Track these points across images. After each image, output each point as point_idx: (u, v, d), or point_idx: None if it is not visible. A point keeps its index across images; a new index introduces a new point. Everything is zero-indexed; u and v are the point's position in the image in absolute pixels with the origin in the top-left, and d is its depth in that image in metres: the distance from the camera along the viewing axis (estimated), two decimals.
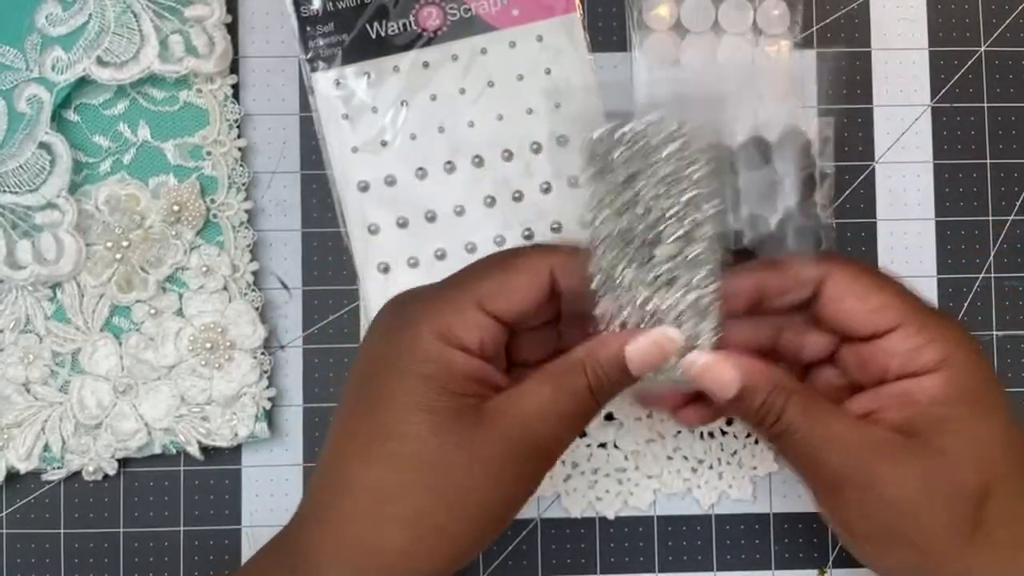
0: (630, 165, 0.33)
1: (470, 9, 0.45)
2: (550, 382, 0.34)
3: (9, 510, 0.44)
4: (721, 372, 0.34)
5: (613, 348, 0.33)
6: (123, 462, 0.44)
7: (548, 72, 0.45)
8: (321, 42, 0.45)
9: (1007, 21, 0.47)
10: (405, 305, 0.35)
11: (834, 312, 0.35)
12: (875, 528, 0.34)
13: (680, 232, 0.34)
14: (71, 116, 0.44)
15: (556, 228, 0.45)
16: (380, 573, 0.33)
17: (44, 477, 0.44)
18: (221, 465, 0.45)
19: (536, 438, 0.33)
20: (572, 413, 0.34)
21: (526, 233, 0.45)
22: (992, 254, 0.47)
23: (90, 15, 0.42)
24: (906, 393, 0.34)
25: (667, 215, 0.34)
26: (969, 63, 0.47)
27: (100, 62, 0.42)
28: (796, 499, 0.46)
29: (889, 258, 0.46)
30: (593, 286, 0.34)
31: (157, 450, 0.44)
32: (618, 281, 0.34)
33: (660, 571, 0.45)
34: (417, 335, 0.33)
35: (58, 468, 0.43)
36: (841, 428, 0.34)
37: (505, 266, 0.35)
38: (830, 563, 0.45)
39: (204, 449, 0.44)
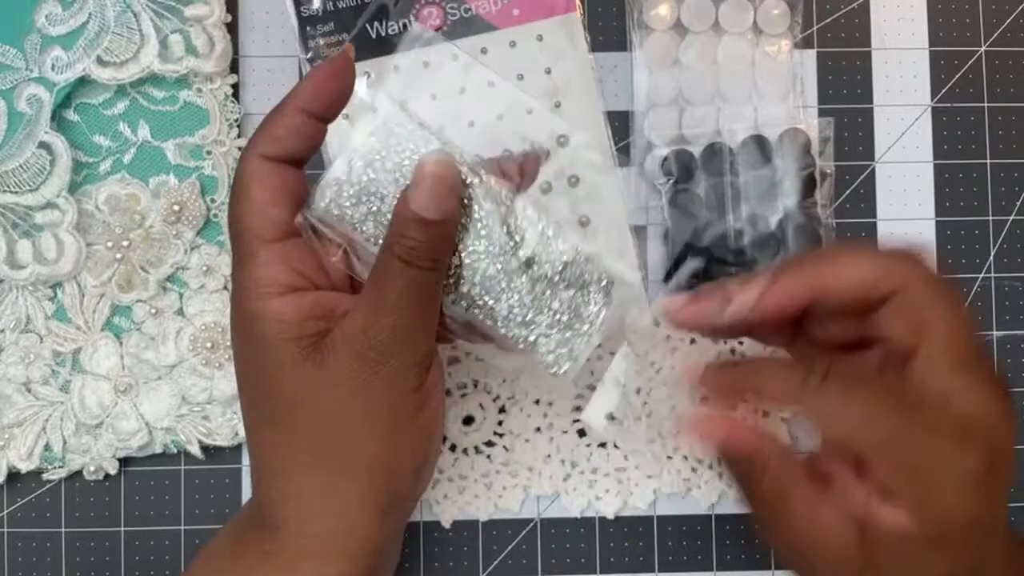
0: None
1: (470, 8, 0.45)
2: (372, 281, 0.33)
3: (10, 509, 0.44)
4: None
5: (406, 213, 0.32)
6: (124, 461, 0.44)
7: (548, 72, 0.45)
8: (321, 42, 0.45)
9: (1007, 21, 0.47)
10: (235, 279, 0.35)
11: (916, 377, 0.32)
12: None
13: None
14: (71, 116, 0.44)
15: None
16: (342, 535, 0.33)
17: (45, 476, 0.44)
18: (222, 464, 0.45)
19: (384, 339, 0.32)
20: (410, 298, 0.32)
21: None
22: (992, 254, 0.47)
23: (90, 15, 0.42)
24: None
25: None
26: (969, 63, 0.47)
27: (100, 61, 0.42)
28: None
29: None
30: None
31: (158, 449, 0.44)
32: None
33: (660, 571, 0.45)
34: (245, 305, 0.33)
35: (59, 467, 0.44)
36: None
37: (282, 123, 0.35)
38: None
39: (205, 448, 0.44)
